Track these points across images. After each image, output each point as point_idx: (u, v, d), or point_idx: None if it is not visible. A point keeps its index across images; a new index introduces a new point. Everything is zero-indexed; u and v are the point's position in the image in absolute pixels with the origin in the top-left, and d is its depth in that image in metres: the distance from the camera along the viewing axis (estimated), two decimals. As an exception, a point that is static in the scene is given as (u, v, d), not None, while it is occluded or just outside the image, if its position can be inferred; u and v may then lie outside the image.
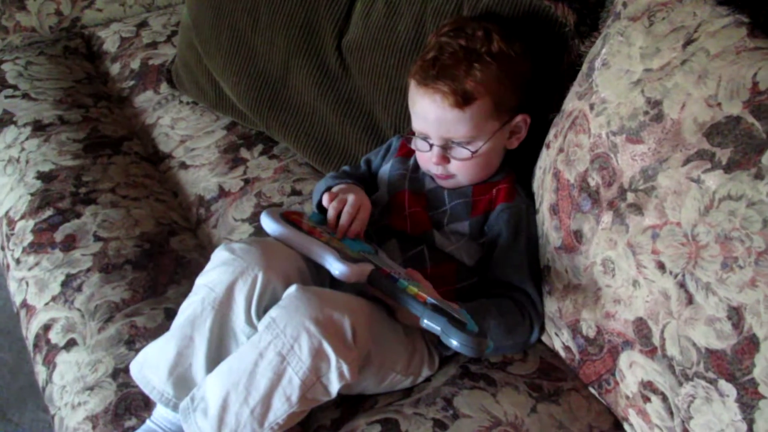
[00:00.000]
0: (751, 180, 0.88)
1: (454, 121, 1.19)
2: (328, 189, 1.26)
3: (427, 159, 1.26)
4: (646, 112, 1.00)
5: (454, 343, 0.95)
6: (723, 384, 0.90)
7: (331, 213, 1.19)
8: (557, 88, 1.25)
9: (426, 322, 0.99)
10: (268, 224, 1.14)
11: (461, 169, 1.25)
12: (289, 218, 1.16)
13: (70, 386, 1.25)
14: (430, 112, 1.21)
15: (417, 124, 1.25)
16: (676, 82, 0.97)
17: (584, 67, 1.16)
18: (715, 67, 0.94)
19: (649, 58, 1.02)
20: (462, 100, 1.17)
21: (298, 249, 1.12)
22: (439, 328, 0.97)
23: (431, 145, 1.23)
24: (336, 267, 1.07)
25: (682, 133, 0.95)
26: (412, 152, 1.34)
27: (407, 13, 1.43)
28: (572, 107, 1.15)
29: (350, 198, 1.20)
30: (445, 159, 1.24)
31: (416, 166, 1.33)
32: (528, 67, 1.24)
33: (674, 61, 0.99)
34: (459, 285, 1.21)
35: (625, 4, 1.10)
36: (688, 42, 0.98)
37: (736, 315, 0.89)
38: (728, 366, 0.90)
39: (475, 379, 1.15)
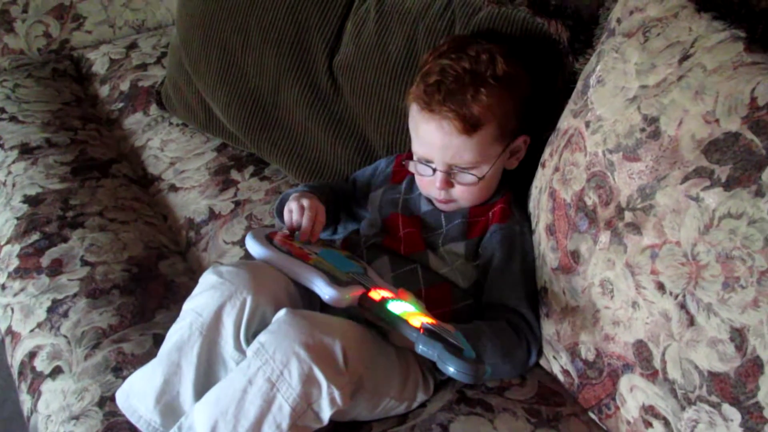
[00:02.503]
0: (751, 197, 0.86)
1: (461, 147, 1.18)
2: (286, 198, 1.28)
3: (428, 183, 1.25)
4: (642, 129, 0.99)
5: (450, 369, 0.93)
6: (727, 408, 0.89)
7: (287, 217, 1.21)
8: (552, 106, 1.24)
9: (421, 348, 0.96)
10: (253, 247, 1.12)
11: (464, 194, 1.24)
12: (276, 239, 1.14)
13: (56, 415, 1.23)
14: (435, 138, 1.19)
15: (420, 149, 1.24)
16: (672, 99, 0.96)
17: (579, 85, 1.15)
18: (712, 82, 0.93)
19: (644, 74, 1.01)
20: (470, 126, 1.16)
21: (285, 272, 1.10)
22: (435, 354, 0.94)
23: (434, 170, 1.22)
24: (326, 291, 1.05)
25: (680, 150, 0.94)
26: (403, 178, 1.33)
27: (398, 32, 1.42)
28: (567, 125, 1.13)
29: (305, 202, 1.21)
30: (449, 184, 1.22)
31: (408, 188, 1.32)
32: (528, 87, 1.23)
33: (670, 77, 0.97)
34: (454, 307, 1.19)
35: (619, 21, 1.09)
36: (684, 57, 0.97)
37: (738, 337, 0.87)
38: (732, 389, 0.88)
39: (472, 404, 1.13)
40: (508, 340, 1.14)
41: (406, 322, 1.00)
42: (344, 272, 1.10)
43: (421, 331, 0.98)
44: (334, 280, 1.05)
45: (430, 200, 1.29)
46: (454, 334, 0.98)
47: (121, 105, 2.00)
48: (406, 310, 1.03)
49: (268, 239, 1.13)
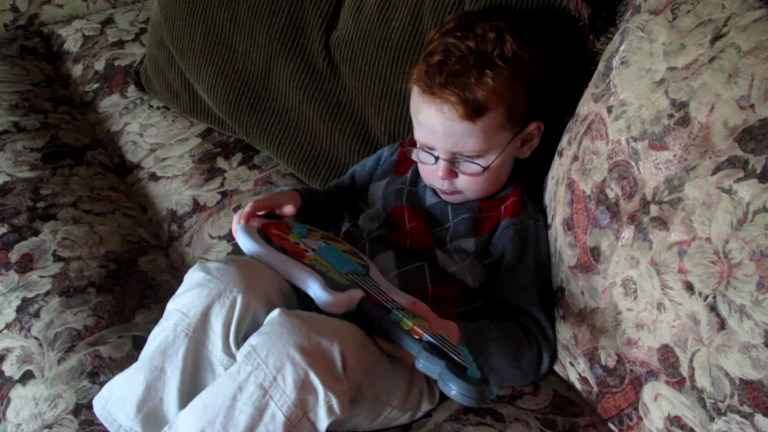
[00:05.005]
0: (789, 190, 0.87)
1: (464, 133, 1.18)
2: None
3: (430, 173, 1.26)
4: (670, 115, 0.99)
5: (452, 391, 0.91)
6: (760, 419, 0.89)
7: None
8: (570, 89, 1.24)
9: (422, 364, 0.95)
10: (244, 241, 1.12)
11: (469, 185, 1.24)
12: (270, 233, 1.15)
13: (27, 424, 1.23)
14: (436, 124, 1.20)
15: (421, 136, 1.24)
16: (703, 82, 0.96)
17: (600, 66, 1.15)
18: (746, 64, 0.93)
19: (673, 55, 1.01)
20: (473, 111, 1.16)
21: (277, 271, 1.10)
22: (436, 372, 0.94)
23: (437, 158, 1.22)
24: (320, 295, 1.04)
25: (711, 139, 0.94)
26: (408, 168, 1.34)
27: (402, 7, 1.42)
28: (588, 110, 1.14)
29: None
30: (452, 173, 1.23)
31: (414, 179, 1.32)
32: (542, 70, 1.23)
33: (701, 58, 0.98)
34: (464, 308, 1.20)
35: (645, -4, 1.10)
36: (717, 37, 0.97)
37: (774, 341, 0.87)
38: (765, 399, 0.88)
39: (481, 414, 1.13)
40: (516, 343, 1.15)
41: (407, 333, 0.99)
42: (342, 273, 1.10)
43: (423, 344, 0.97)
44: (330, 283, 1.05)
45: (435, 192, 1.29)
46: (459, 351, 0.97)
47: (95, 86, 2.00)
48: (409, 320, 1.02)
49: (261, 233, 1.13)
